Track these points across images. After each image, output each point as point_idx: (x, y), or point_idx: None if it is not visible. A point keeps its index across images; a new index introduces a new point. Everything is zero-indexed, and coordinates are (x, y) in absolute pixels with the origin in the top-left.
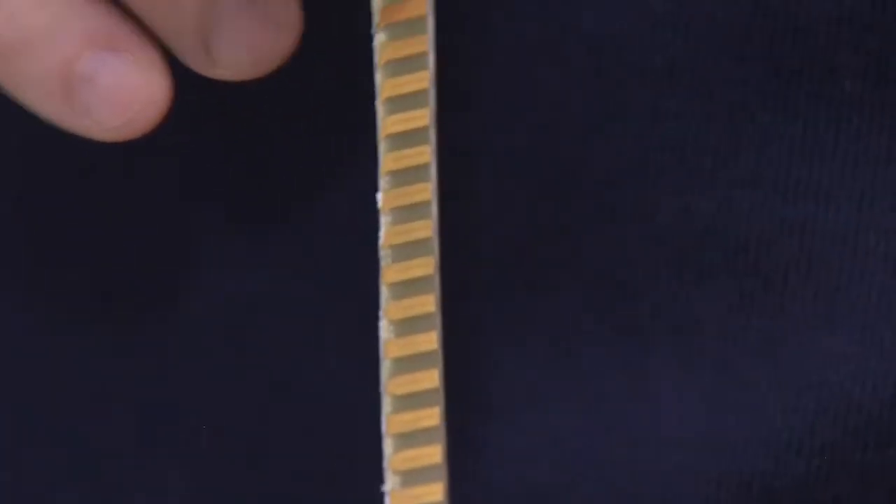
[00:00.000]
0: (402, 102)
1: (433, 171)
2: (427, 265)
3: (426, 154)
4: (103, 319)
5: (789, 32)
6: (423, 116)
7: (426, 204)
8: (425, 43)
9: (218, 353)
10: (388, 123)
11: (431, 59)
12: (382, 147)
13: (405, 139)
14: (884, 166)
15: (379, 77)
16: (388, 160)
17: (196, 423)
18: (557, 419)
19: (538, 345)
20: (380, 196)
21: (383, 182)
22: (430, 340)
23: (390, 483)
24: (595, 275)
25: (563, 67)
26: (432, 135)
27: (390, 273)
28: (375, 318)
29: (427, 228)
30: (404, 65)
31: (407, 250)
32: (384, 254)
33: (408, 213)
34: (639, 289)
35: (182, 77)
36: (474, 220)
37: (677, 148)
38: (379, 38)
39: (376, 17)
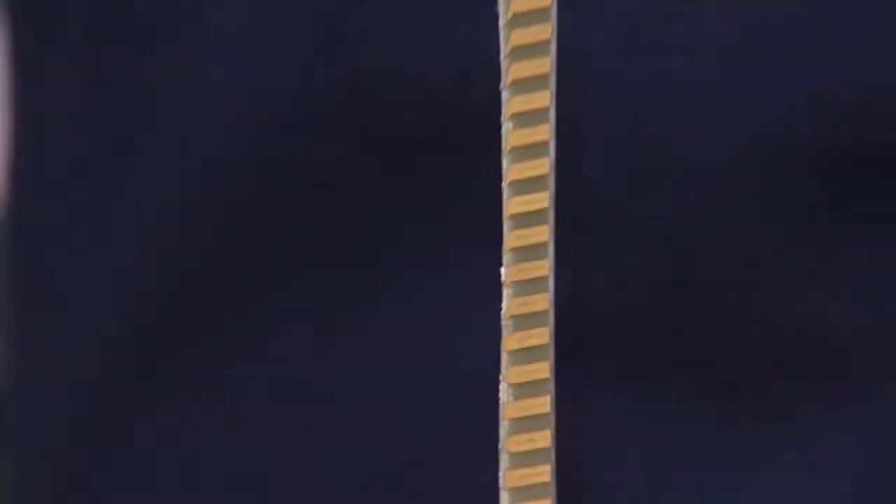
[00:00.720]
0: (525, 186)
1: (551, 250)
2: (543, 335)
3: (545, 234)
4: None
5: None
6: (544, 199)
7: (544, 279)
8: (547, 132)
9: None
10: (511, 205)
11: (552, 147)
12: (507, 226)
13: (527, 219)
14: None
15: (505, 162)
16: (511, 238)
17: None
18: None
19: (648, 433)
20: (503, 271)
21: (507, 258)
22: (545, 404)
23: None
24: (704, 368)
25: (675, 194)
26: (551, 216)
27: (510, 341)
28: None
29: (545, 302)
30: (528, 152)
31: (526, 321)
32: (506, 323)
33: (527, 287)
34: (746, 383)
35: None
36: (587, 306)
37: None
38: (506, 127)
39: (505, 106)
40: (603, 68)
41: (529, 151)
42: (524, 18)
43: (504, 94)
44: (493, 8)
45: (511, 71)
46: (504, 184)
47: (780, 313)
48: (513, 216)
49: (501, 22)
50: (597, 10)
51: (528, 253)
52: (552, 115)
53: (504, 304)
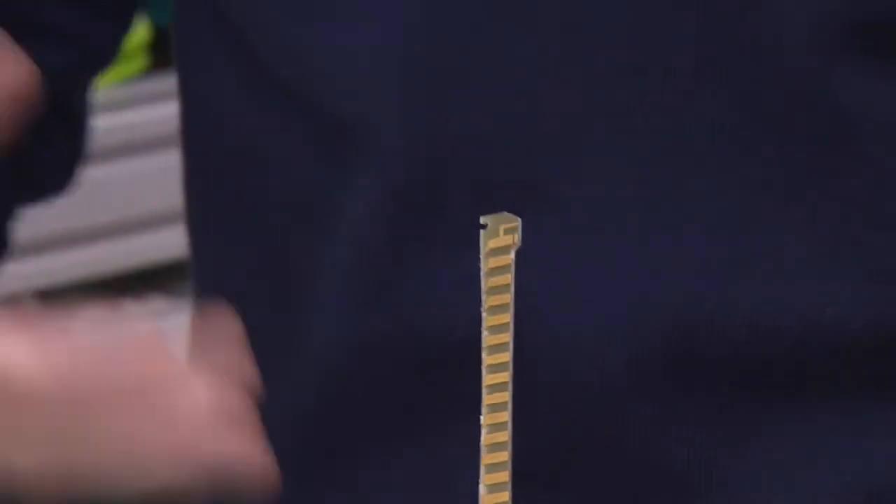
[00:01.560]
0: (494, 388)
1: (510, 424)
2: (505, 476)
3: (506, 416)
4: None
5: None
6: (505, 397)
7: (506, 443)
8: (508, 356)
9: None
10: (486, 400)
11: (511, 362)
12: (483, 410)
13: (495, 408)
14: None
15: (483, 373)
16: (487, 419)
17: None
18: None
19: None
20: (482, 434)
21: (483, 419)
22: None
23: None
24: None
25: (582, 389)
26: (510, 408)
27: (487, 479)
28: None
29: (505, 455)
30: (496, 367)
31: (495, 467)
32: (483, 468)
33: (497, 447)
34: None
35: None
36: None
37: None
38: (485, 352)
39: (483, 341)
40: (540, 309)
41: (497, 367)
42: (495, 272)
43: (483, 334)
44: (472, 280)
45: (488, 300)
46: (483, 385)
47: (648, 457)
48: (487, 405)
49: (483, 272)
50: (544, 267)
51: (496, 428)
52: (511, 341)
53: (482, 455)
